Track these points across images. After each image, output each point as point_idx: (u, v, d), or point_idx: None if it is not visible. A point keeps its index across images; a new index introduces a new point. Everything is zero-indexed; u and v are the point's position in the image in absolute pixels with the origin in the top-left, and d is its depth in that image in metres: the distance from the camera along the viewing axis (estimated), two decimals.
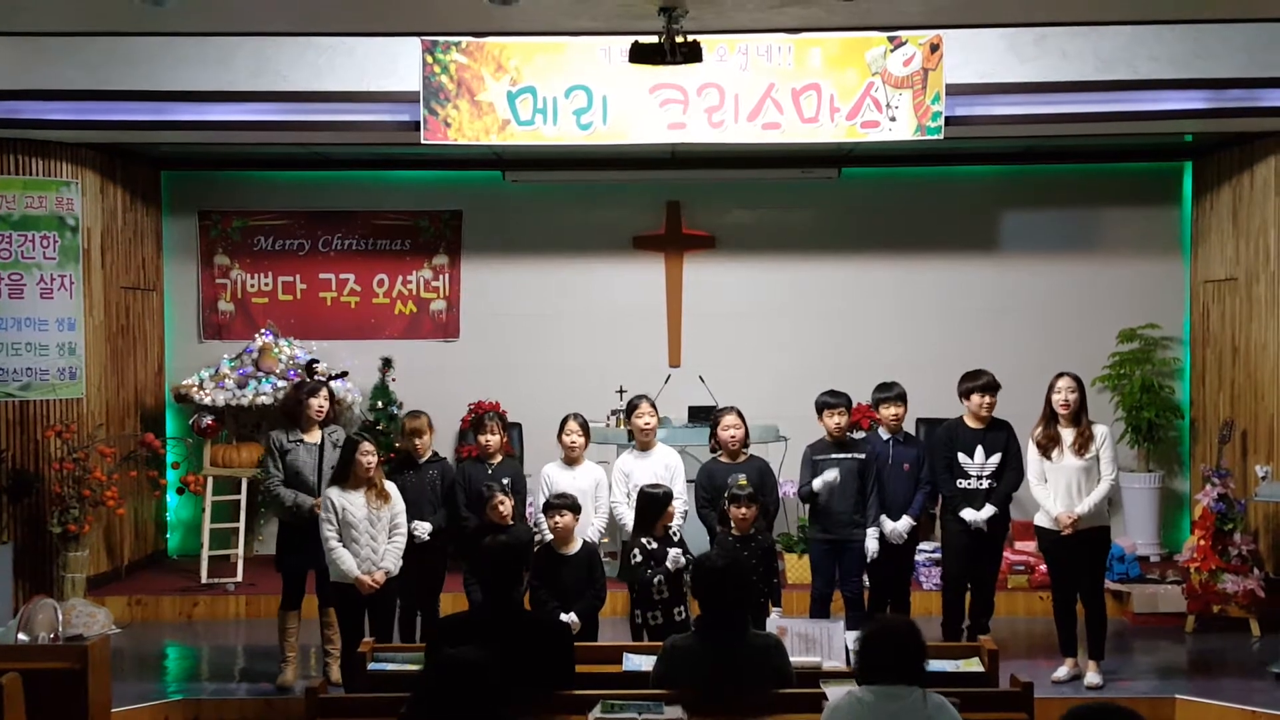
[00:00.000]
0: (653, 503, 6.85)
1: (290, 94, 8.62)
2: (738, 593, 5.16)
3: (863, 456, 7.50)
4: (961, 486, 7.53)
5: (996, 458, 7.52)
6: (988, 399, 7.53)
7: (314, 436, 7.51)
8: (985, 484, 7.52)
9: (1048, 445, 7.36)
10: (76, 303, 9.46)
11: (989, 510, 7.46)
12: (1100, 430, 7.37)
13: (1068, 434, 7.32)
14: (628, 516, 7.44)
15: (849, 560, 7.48)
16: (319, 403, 7.50)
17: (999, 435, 7.57)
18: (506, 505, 7.06)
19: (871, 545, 7.41)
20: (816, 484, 7.43)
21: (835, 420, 7.50)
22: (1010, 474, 7.55)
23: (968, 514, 7.47)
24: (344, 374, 9.53)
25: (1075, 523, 7.22)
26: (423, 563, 7.29)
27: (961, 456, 7.54)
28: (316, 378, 7.94)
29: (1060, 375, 7.42)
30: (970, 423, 7.61)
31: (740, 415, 7.49)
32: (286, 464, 7.43)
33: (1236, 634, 8.46)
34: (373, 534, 6.99)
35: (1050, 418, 7.38)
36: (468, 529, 7.26)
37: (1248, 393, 9.62)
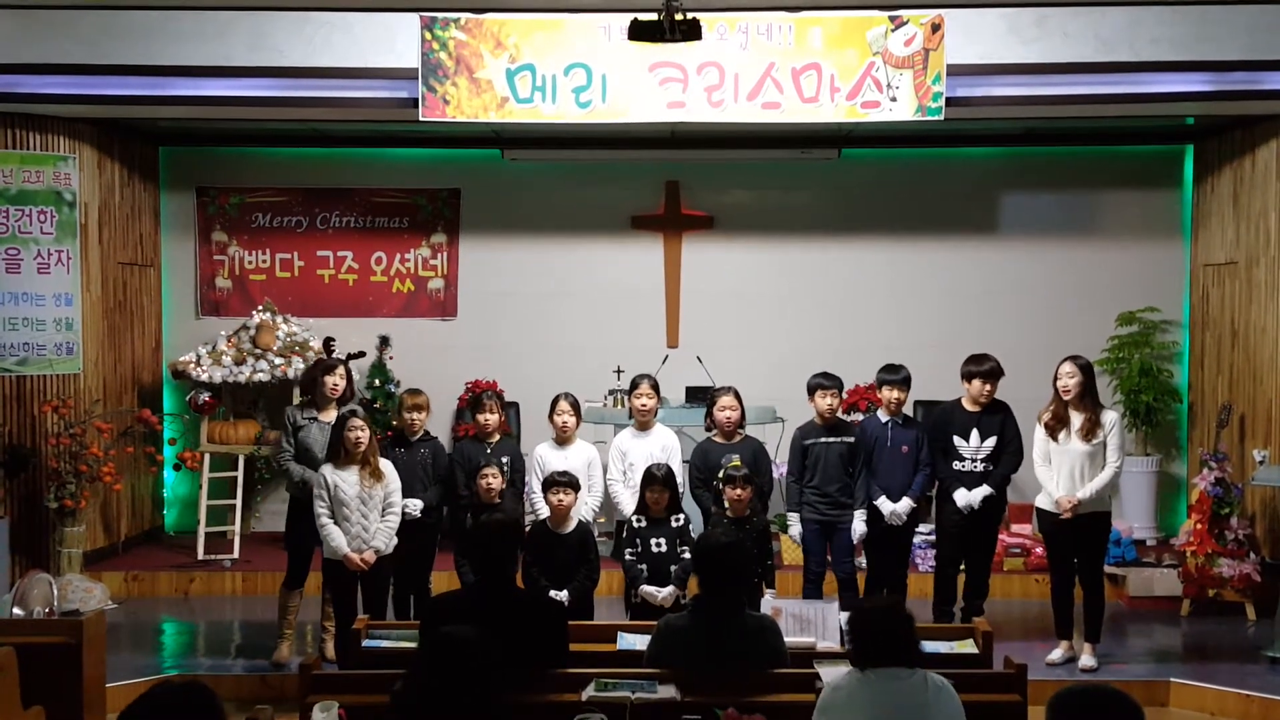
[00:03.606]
0: (646, 481, 6.86)
1: (288, 70, 8.58)
2: (737, 573, 5.16)
3: (851, 440, 7.48)
4: (956, 469, 7.52)
5: (992, 441, 7.50)
6: (988, 386, 7.51)
7: (328, 415, 7.47)
8: (980, 467, 7.50)
9: (1055, 427, 7.34)
10: (74, 278, 9.43)
11: (982, 491, 7.45)
12: (1109, 417, 7.33)
13: (1076, 418, 7.29)
14: (622, 495, 7.45)
15: (840, 541, 7.47)
16: (334, 380, 7.48)
17: (995, 419, 7.54)
18: (495, 482, 7.07)
19: (859, 528, 7.40)
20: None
21: (827, 402, 7.48)
22: (1008, 457, 7.53)
23: (960, 495, 7.47)
24: (361, 354, 9.51)
25: (1075, 507, 7.22)
26: (414, 541, 7.30)
27: (957, 439, 7.53)
28: (334, 356, 7.92)
29: (1065, 359, 7.40)
30: (967, 405, 7.60)
31: (737, 396, 7.47)
32: (298, 440, 7.44)
33: (1232, 618, 8.46)
34: (364, 512, 6.99)
35: (1060, 400, 7.37)
36: (465, 507, 7.28)
37: (1246, 377, 9.60)
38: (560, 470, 6.98)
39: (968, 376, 7.58)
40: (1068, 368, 7.33)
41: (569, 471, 6.97)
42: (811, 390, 7.54)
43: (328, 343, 9.37)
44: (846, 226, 10.94)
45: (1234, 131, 9.85)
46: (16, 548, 9.03)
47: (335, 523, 6.97)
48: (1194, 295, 10.58)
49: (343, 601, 7.10)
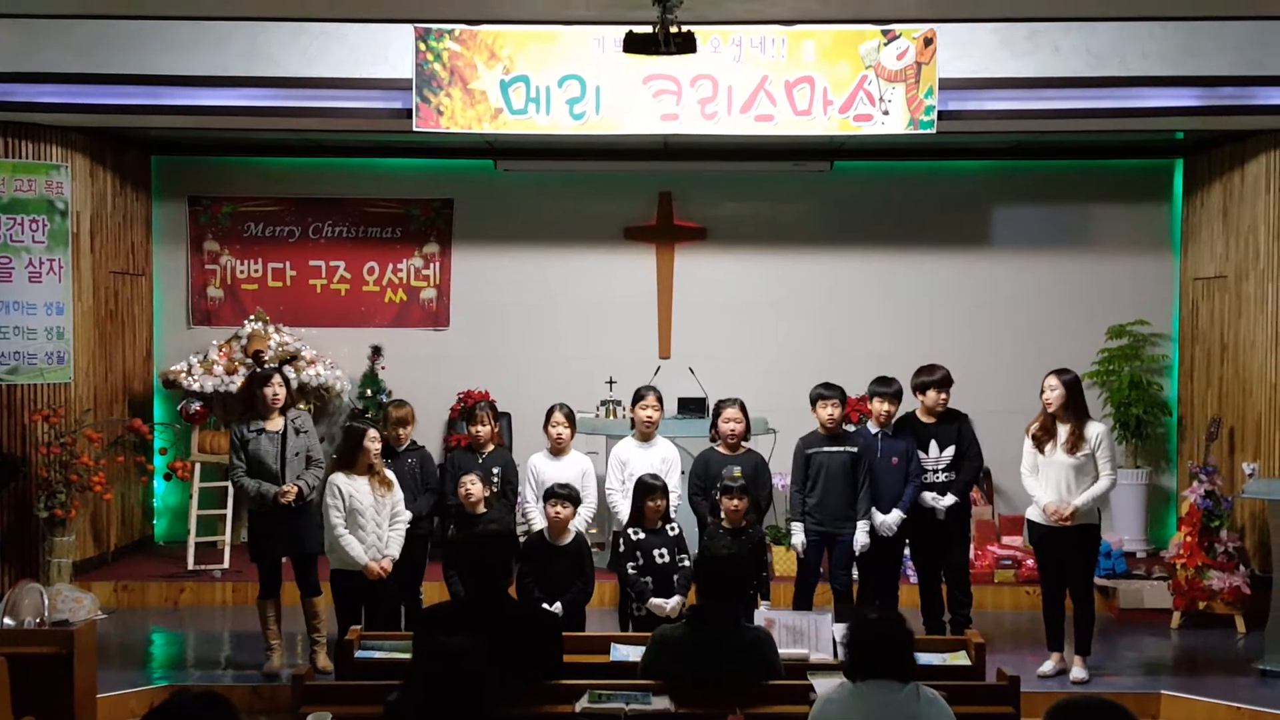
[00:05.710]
0: (646, 491, 6.86)
1: (282, 80, 8.58)
2: (736, 585, 5.17)
3: (855, 450, 7.49)
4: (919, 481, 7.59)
5: (951, 450, 7.57)
6: (943, 395, 7.59)
7: (275, 424, 7.50)
8: (942, 477, 7.56)
9: (1042, 438, 7.38)
10: (65, 287, 9.41)
11: (951, 498, 7.51)
12: (1094, 430, 7.35)
13: (1062, 431, 7.33)
14: (622, 505, 7.45)
15: (838, 553, 7.49)
16: (272, 390, 7.50)
17: (951, 428, 7.62)
18: (474, 489, 7.07)
19: (861, 539, 7.42)
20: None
21: (829, 412, 7.50)
22: (968, 464, 7.61)
23: (929, 496, 7.51)
24: (293, 357, 9.52)
25: (1073, 515, 7.22)
26: (404, 551, 7.28)
27: (917, 452, 7.58)
28: (266, 366, 7.94)
29: (1050, 373, 7.43)
30: (923, 418, 7.66)
31: (743, 408, 7.49)
32: (249, 454, 7.44)
33: (1222, 630, 8.48)
34: (378, 521, 7.06)
35: (1046, 413, 7.40)
36: (452, 516, 7.30)
37: (1236, 390, 9.64)
38: (562, 483, 6.99)
39: (921, 388, 7.63)
40: (1051, 380, 7.38)
41: (570, 485, 6.98)
42: (814, 400, 7.56)
43: (257, 355, 9.35)
44: (838, 239, 10.96)
45: (1224, 146, 9.90)
46: (6, 557, 9.01)
47: (350, 532, 7.01)
48: (1183, 309, 10.62)
49: (349, 612, 7.09)
